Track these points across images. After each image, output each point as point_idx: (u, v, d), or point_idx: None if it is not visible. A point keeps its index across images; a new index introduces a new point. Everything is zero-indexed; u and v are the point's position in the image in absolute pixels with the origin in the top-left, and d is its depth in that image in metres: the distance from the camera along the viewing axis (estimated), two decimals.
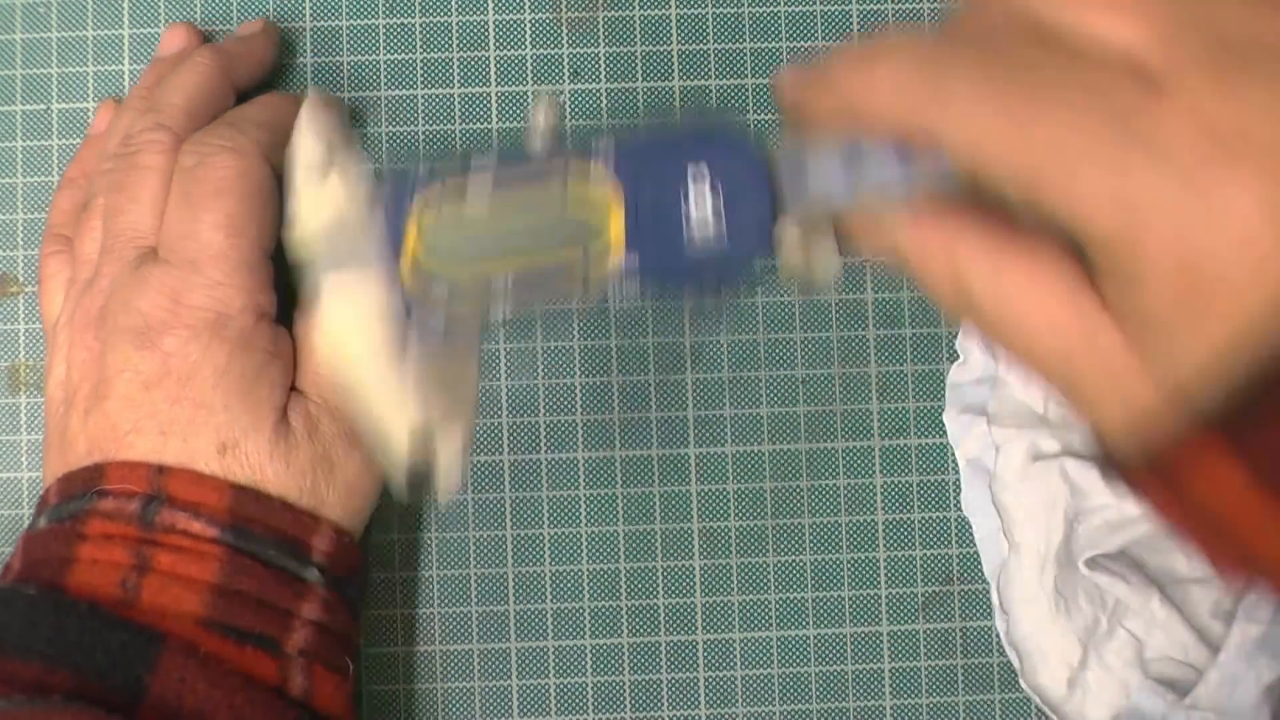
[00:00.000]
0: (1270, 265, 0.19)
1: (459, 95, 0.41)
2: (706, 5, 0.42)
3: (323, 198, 0.26)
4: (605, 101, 0.41)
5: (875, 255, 0.26)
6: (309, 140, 0.28)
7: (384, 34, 0.41)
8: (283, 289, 0.36)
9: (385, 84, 0.41)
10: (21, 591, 0.32)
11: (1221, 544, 0.23)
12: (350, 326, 0.26)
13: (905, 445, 0.41)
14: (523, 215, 0.25)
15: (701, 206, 0.24)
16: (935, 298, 0.24)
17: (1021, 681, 0.39)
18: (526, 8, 0.41)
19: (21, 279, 0.41)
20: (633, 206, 0.24)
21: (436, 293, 0.25)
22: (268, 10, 0.41)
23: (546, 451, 0.41)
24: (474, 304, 0.25)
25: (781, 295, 0.41)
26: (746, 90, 0.41)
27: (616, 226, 0.24)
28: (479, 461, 0.40)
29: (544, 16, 0.41)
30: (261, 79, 0.40)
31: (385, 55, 0.41)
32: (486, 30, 0.41)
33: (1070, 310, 0.22)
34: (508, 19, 0.41)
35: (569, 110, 0.41)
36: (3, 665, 0.30)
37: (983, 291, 0.23)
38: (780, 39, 0.42)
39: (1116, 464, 0.23)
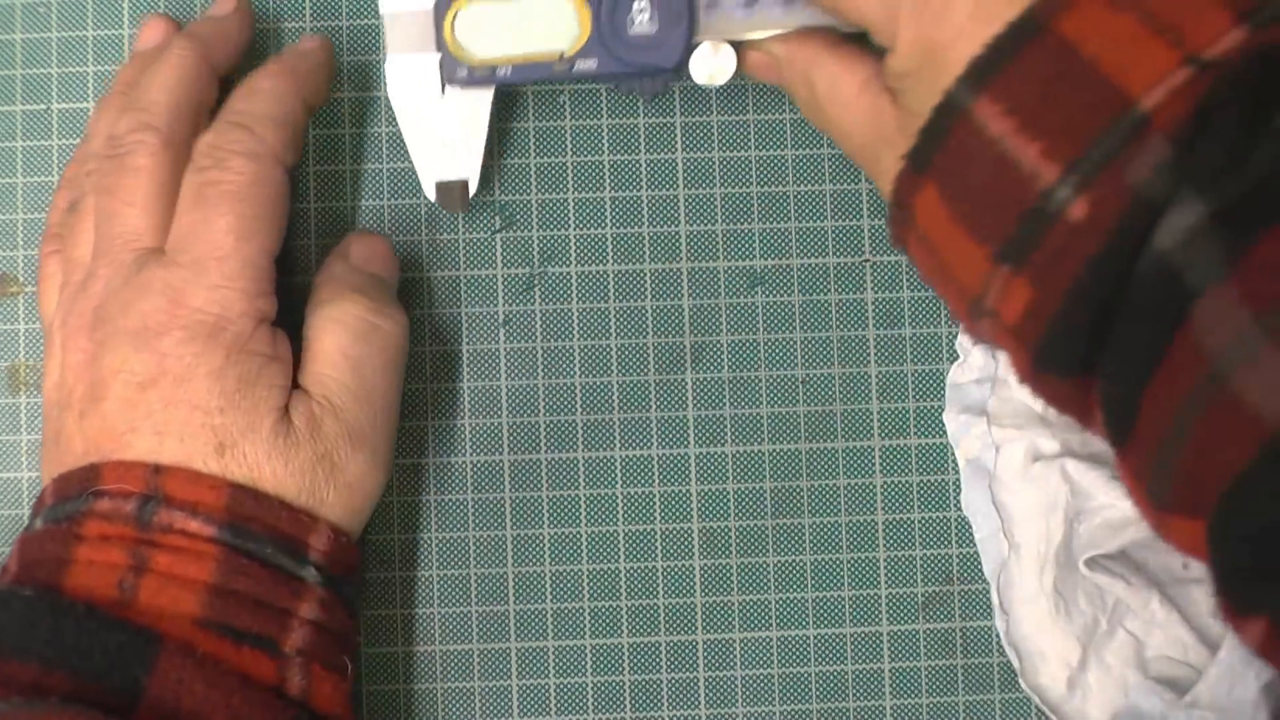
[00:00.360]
0: (977, 31, 0.28)
1: None
2: None
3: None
4: None
5: (756, 69, 0.37)
6: None
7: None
8: (283, 292, 0.36)
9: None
10: (18, 593, 0.31)
11: (948, 286, 0.30)
12: (408, 84, 0.37)
13: (905, 445, 0.41)
14: (523, 18, 0.36)
15: (641, 19, 0.36)
16: (793, 96, 0.36)
17: (1021, 682, 0.39)
18: None
19: (21, 279, 0.41)
20: (596, 13, 0.36)
21: (461, 70, 0.37)
22: (268, 10, 0.41)
23: (546, 451, 0.41)
24: (485, 73, 0.37)
25: (782, 296, 0.41)
26: None
27: (585, 25, 0.36)
28: (479, 461, 0.40)
29: None
30: (240, 60, 0.39)
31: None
32: None
33: (869, 95, 0.32)
34: None
35: None
36: (0, 667, 0.30)
37: (822, 89, 0.34)
38: None
39: (892, 225, 0.31)
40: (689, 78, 0.37)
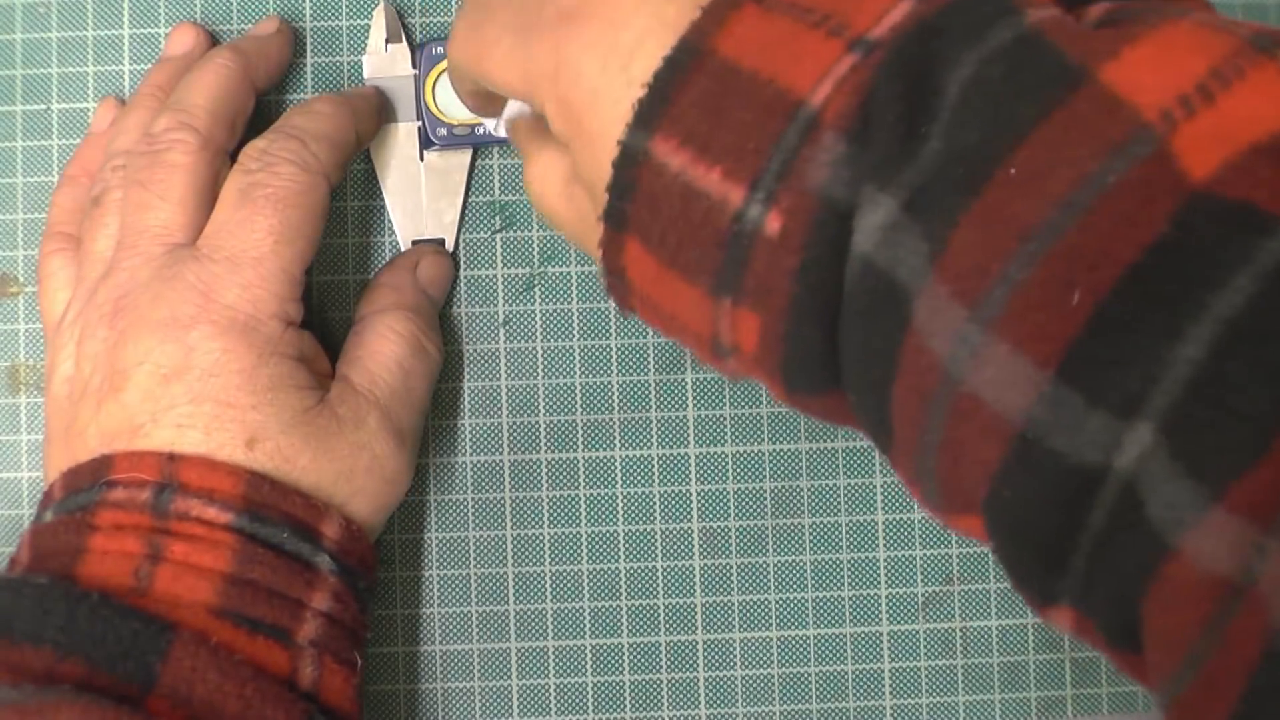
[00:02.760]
0: (612, 84, 0.27)
1: None
2: None
3: (383, 61, 0.40)
4: None
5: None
6: (378, 27, 0.40)
7: None
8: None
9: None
10: (31, 580, 0.31)
11: (685, 336, 0.29)
12: (389, 149, 0.40)
13: None
14: None
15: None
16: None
17: None
18: None
19: (21, 279, 0.41)
20: None
21: (441, 129, 0.40)
22: (268, 11, 0.41)
23: (546, 451, 0.41)
24: (465, 132, 0.40)
25: None
26: None
27: None
28: (479, 461, 0.40)
29: None
30: (278, 80, 0.40)
31: None
32: None
33: (571, 186, 0.32)
34: None
35: None
36: (12, 653, 0.30)
37: (534, 188, 0.33)
38: None
39: (612, 294, 0.30)
40: None
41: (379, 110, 0.40)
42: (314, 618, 0.34)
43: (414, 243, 0.40)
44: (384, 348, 0.37)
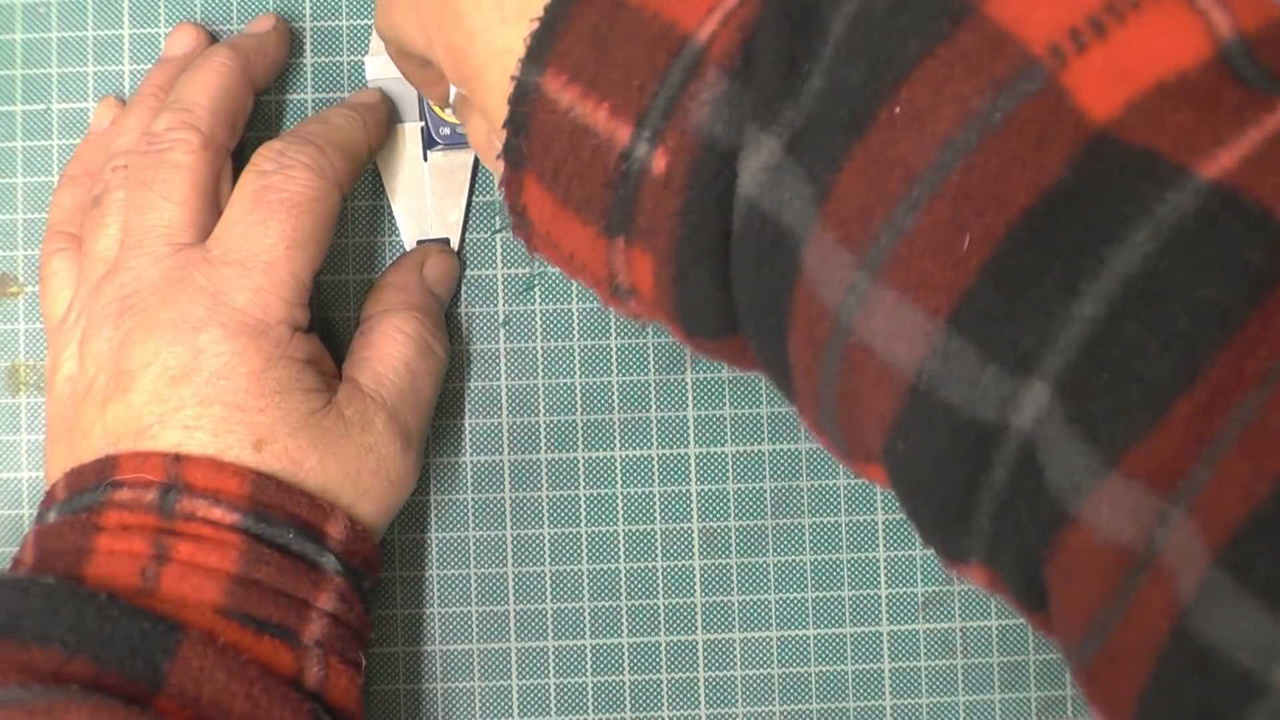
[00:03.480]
0: (493, 26, 0.27)
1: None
2: None
3: (386, 63, 0.39)
4: None
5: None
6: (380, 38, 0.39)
7: None
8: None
9: None
10: (39, 581, 0.31)
11: (584, 276, 0.29)
12: (392, 150, 0.40)
13: None
14: None
15: None
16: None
17: None
18: None
19: (21, 279, 0.41)
20: None
21: (444, 128, 0.40)
22: (268, 10, 0.41)
23: (546, 451, 0.41)
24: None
25: None
26: None
27: None
28: (479, 461, 0.40)
29: None
30: (276, 78, 0.40)
31: None
32: None
33: (487, 141, 0.30)
34: None
35: None
36: (21, 653, 0.30)
37: (475, 149, 0.33)
38: None
39: (516, 232, 0.29)
40: None
41: (388, 121, 0.40)
42: (319, 618, 0.34)
43: (419, 243, 0.40)
44: (391, 349, 0.37)
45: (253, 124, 0.40)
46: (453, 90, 0.33)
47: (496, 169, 0.30)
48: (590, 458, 0.41)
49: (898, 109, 0.22)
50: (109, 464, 0.33)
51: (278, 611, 0.33)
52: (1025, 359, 0.21)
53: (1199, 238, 0.20)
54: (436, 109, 0.40)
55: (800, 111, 0.23)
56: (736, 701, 0.40)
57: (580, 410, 0.41)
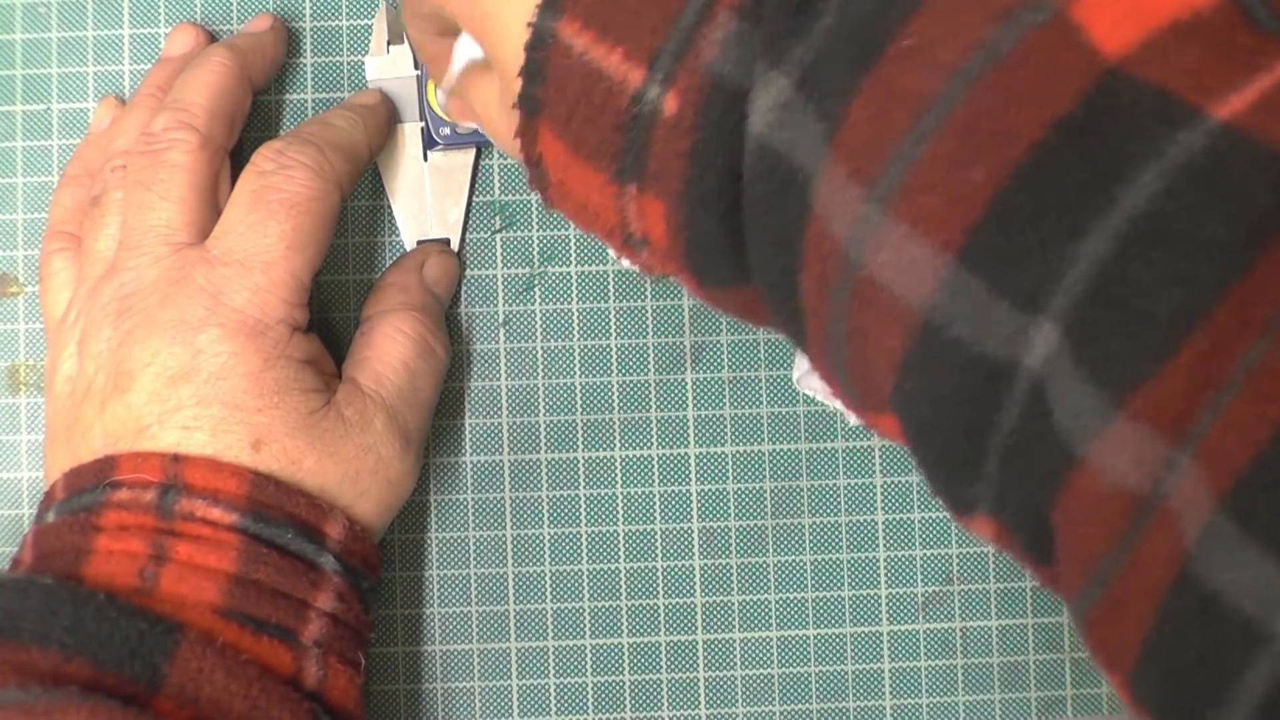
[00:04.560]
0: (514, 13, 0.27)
1: None
2: None
3: (386, 63, 0.40)
4: None
5: (454, 114, 0.38)
6: (380, 29, 0.40)
7: None
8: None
9: None
10: (37, 581, 0.31)
11: (597, 226, 0.28)
12: (393, 150, 0.40)
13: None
14: None
15: None
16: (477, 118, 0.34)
17: (796, 384, 0.38)
18: None
19: (21, 279, 0.41)
20: None
21: (444, 128, 0.40)
22: (267, 10, 0.41)
23: (546, 451, 0.41)
24: (468, 131, 0.40)
25: None
26: None
27: None
28: (479, 461, 0.40)
29: None
30: (274, 77, 0.40)
31: None
32: None
33: (498, 100, 0.31)
34: None
35: None
36: (19, 653, 0.30)
37: (479, 110, 0.32)
38: None
39: (533, 185, 0.29)
40: None
41: (388, 122, 0.40)
42: (318, 618, 0.34)
43: (419, 243, 0.40)
44: (391, 349, 0.37)
45: (252, 124, 0.40)
46: (455, 66, 0.33)
47: (507, 133, 0.30)
48: (590, 458, 0.41)
49: (907, 41, 0.22)
50: (108, 464, 0.33)
51: (276, 611, 0.33)
52: (1033, 297, 0.21)
53: (1208, 178, 0.20)
54: (436, 107, 0.40)
55: (810, 48, 0.23)
56: (736, 701, 0.40)
57: (580, 410, 0.41)
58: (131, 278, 0.35)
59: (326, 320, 0.40)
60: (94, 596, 0.31)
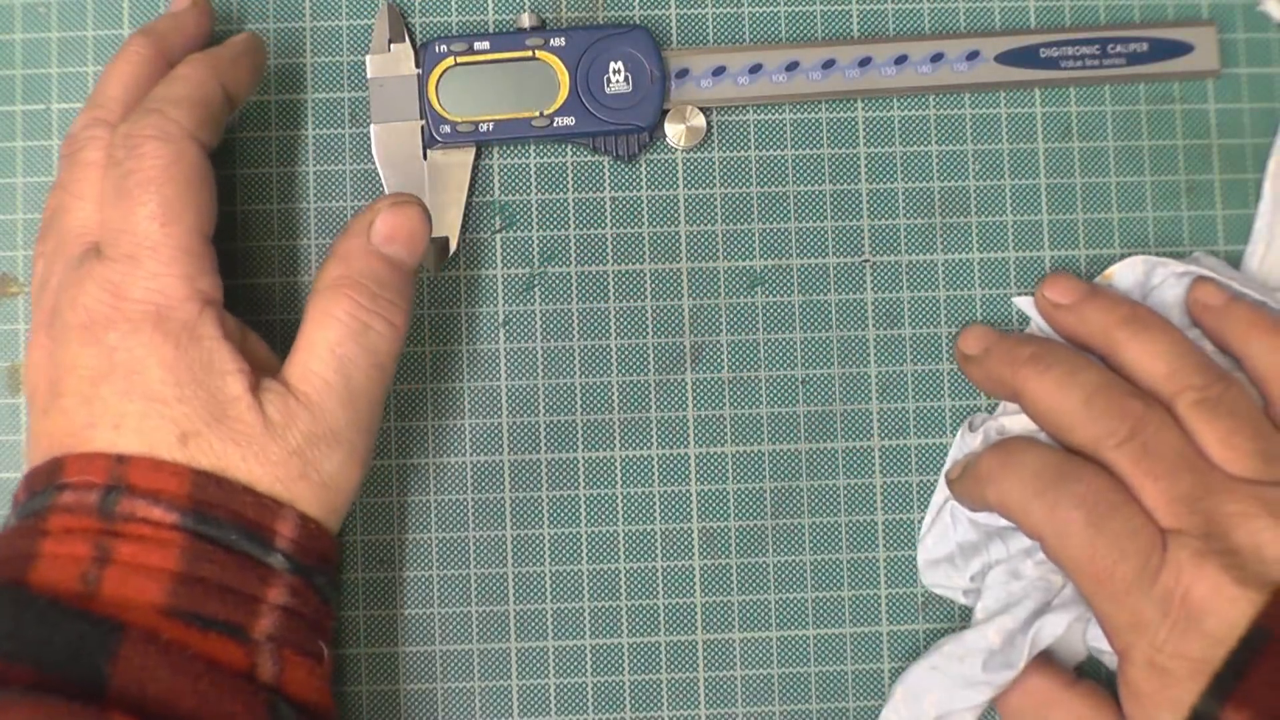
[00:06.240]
0: (1202, 668, 0.33)
1: None
2: (706, 6, 0.42)
3: (387, 61, 0.40)
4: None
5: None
6: (381, 27, 0.41)
7: None
8: (287, 292, 0.36)
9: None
10: None
11: None
12: (393, 148, 0.40)
13: (905, 445, 0.41)
14: (504, 79, 0.40)
15: (616, 80, 0.40)
16: None
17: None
18: (526, 7, 0.41)
19: (21, 279, 0.41)
20: (573, 73, 0.40)
21: (445, 126, 0.40)
22: (267, 10, 0.41)
23: (546, 451, 0.41)
24: (469, 129, 0.40)
25: (782, 296, 0.41)
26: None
27: (564, 85, 0.40)
28: (479, 461, 0.40)
29: (545, 17, 0.41)
30: (200, 48, 0.39)
31: None
32: (486, 30, 0.41)
33: (1034, 482, 0.36)
34: (507, 19, 0.41)
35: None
36: None
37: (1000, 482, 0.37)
38: (780, 33, 0.42)
39: None
40: (663, 138, 0.41)
41: (245, 56, 0.38)
42: (270, 611, 0.33)
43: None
44: (316, 336, 0.35)
45: (250, 124, 0.40)
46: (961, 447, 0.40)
47: (1028, 514, 0.36)
48: (590, 458, 0.41)
49: None
50: (56, 466, 0.33)
51: (224, 608, 0.32)
52: None
53: None
54: (436, 106, 0.40)
55: None
56: (736, 701, 0.40)
57: (580, 410, 0.41)
58: (56, 283, 0.35)
59: None
60: (35, 601, 0.31)
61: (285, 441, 0.34)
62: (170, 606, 0.32)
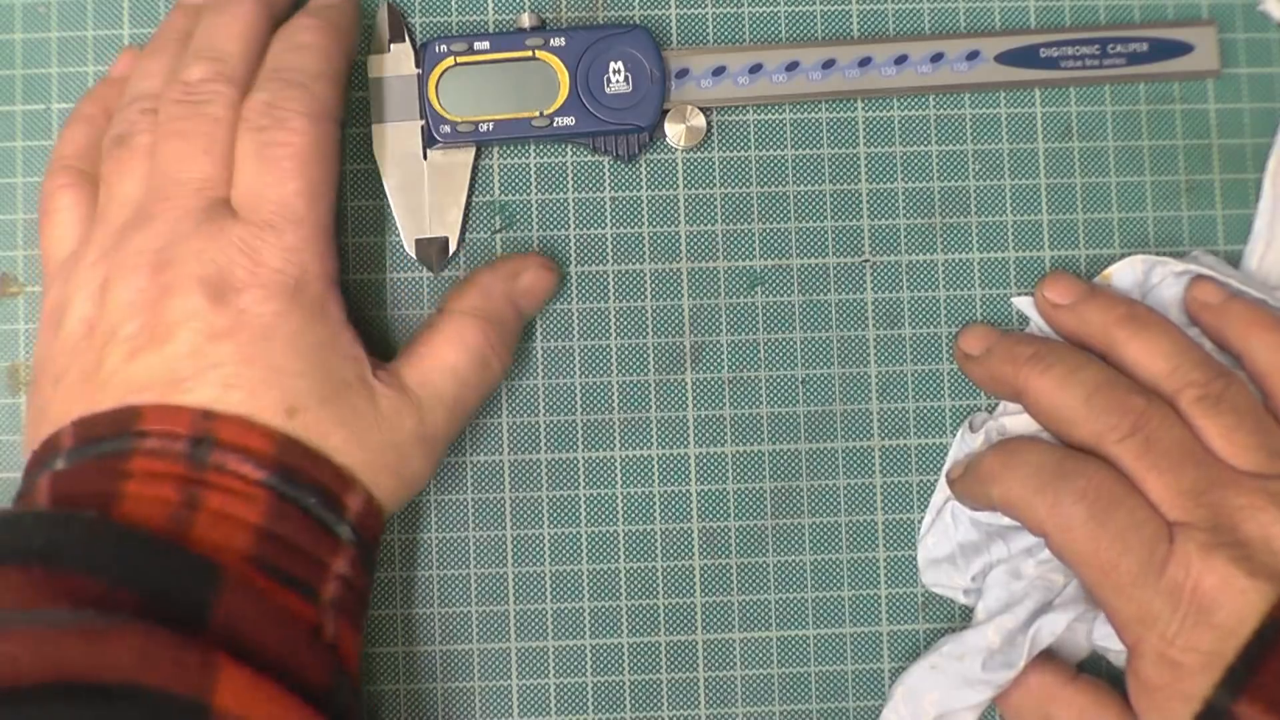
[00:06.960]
0: (1214, 661, 0.33)
1: None
2: (706, 6, 0.42)
3: (387, 61, 0.40)
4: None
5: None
6: (381, 27, 0.41)
7: None
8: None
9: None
10: (78, 516, 0.31)
11: None
12: (393, 148, 0.40)
13: (905, 445, 0.41)
14: (504, 79, 0.40)
15: (617, 80, 0.40)
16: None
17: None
18: (526, 7, 0.41)
19: (22, 279, 0.41)
20: (573, 73, 0.40)
21: (445, 125, 0.40)
22: None
23: (546, 451, 0.41)
24: (469, 129, 0.40)
25: (782, 296, 0.41)
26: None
27: (564, 85, 0.40)
28: (479, 461, 0.40)
29: (545, 17, 0.41)
30: (290, 11, 0.39)
31: None
32: (486, 30, 0.41)
33: (1036, 479, 0.36)
34: (507, 19, 0.41)
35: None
36: (65, 580, 0.29)
37: (1006, 482, 0.37)
38: (780, 33, 0.42)
39: None
40: (663, 138, 0.41)
41: (356, 21, 0.39)
42: (334, 579, 0.34)
43: (416, 241, 0.40)
44: (447, 353, 0.37)
45: None
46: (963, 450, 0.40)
47: (1032, 508, 0.36)
48: (590, 458, 0.41)
49: None
50: (130, 414, 0.33)
51: (300, 567, 0.33)
52: None
53: None
54: (437, 106, 0.40)
55: None
56: (736, 701, 0.40)
57: (580, 410, 0.41)
58: (166, 229, 0.34)
59: None
60: (135, 531, 0.31)
61: (390, 433, 0.35)
62: (256, 556, 0.32)
